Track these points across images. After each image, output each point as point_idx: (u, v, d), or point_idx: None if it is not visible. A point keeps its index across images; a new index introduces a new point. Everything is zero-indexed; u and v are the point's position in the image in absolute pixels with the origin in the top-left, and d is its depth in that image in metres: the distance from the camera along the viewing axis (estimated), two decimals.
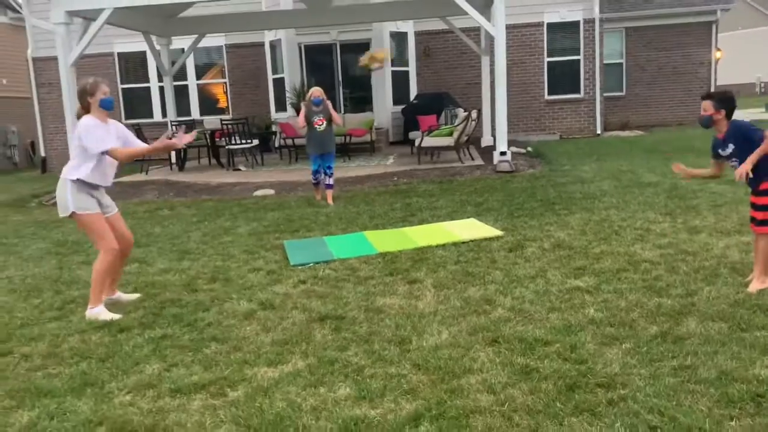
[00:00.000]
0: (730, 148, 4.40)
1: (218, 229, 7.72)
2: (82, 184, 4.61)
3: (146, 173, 13.27)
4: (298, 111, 14.53)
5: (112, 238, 4.68)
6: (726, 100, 4.42)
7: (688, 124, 17.81)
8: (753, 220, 4.45)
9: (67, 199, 4.59)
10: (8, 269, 6.39)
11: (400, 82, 16.22)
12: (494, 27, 10.85)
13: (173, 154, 14.16)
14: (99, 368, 3.76)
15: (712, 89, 18.55)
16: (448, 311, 4.37)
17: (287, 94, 15.73)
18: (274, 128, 15.53)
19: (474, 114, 12.07)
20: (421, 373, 3.44)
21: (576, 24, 16.64)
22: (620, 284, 4.69)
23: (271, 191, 10.40)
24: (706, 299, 4.25)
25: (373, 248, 6.18)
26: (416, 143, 12.25)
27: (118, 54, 17.45)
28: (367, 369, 3.52)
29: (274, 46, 16.29)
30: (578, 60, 16.82)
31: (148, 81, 17.59)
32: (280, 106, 16.28)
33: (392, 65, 15.96)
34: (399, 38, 16.30)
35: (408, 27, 16.40)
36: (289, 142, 13.69)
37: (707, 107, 4.43)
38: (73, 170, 4.62)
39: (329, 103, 8.87)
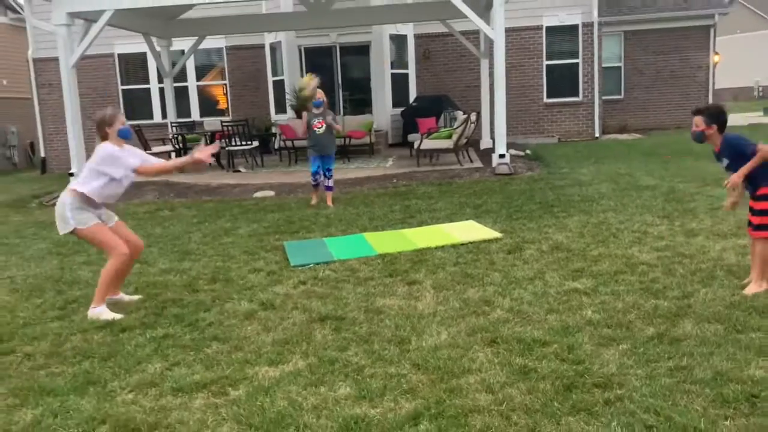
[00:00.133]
0: (725, 162, 4.46)
1: (219, 230, 7.76)
2: (85, 200, 4.65)
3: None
4: (297, 112, 14.66)
5: (119, 243, 4.73)
6: (717, 114, 4.42)
7: (686, 128, 17.81)
8: (750, 224, 4.49)
9: (66, 216, 4.65)
10: (10, 269, 6.43)
11: (399, 84, 16.27)
12: (493, 30, 10.90)
13: (173, 155, 14.22)
14: (101, 367, 3.80)
15: (710, 92, 18.68)
16: (447, 312, 4.41)
17: (287, 96, 15.78)
18: (273, 130, 15.57)
19: (473, 116, 12.11)
20: (420, 372, 3.48)
21: (575, 27, 16.71)
22: (617, 286, 4.73)
23: (271, 193, 10.44)
24: (702, 301, 4.29)
25: (373, 249, 6.22)
26: (415, 145, 12.29)
27: (119, 55, 17.48)
28: (367, 369, 3.56)
29: (274, 48, 16.34)
30: (577, 63, 16.88)
31: (148, 82, 17.62)
32: (280, 108, 16.32)
33: (392, 68, 16.03)
34: (399, 41, 16.35)
35: (408, 30, 16.46)
36: (289, 143, 13.72)
37: (698, 122, 4.44)
38: (80, 185, 4.67)
39: (330, 118, 8.84)
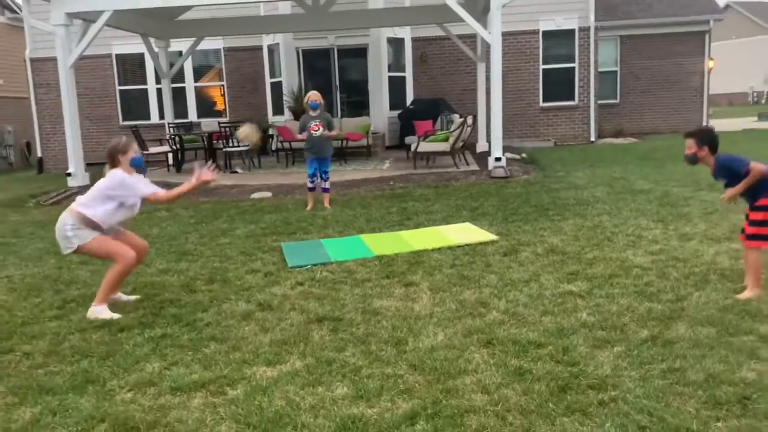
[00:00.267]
0: (722, 182, 4.52)
1: (216, 230, 7.78)
2: (87, 223, 4.67)
3: (143, 175, 13.29)
4: (295, 114, 14.69)
5: (125, 249, 4.77)
6: (707, 137, 4.50)
7: (681, 132, 17.94)
8: (743, 231, 4.55)
9: (68, 235, 4.67)
10: (8, 268, 6.44)
11: (396, 87, 16.32)
12: (490, 34, 10.95)
13: (170, 156, 14.24)
14: (100, 366, 3.82)
15: (705, 97, 18.77)
16: (444, 313, 4.44)
17: (285, 98, 15.81)
18: (271, 131, 15.60)
19: (469, 120, 12.16)
20: (417, 373, 3.51)
21: (571, 32, 16.80)
22: (612, 289, 4.77)
23: (269, 194, 10.46)
24: (695, 304, 4.33)
25: (370, 251, 6.25)
26: (412, 148, 12.33)
27: (116, 55, 17.48)
28: (364, 369, 3.59)
29: (272, 49, 16.37)
30: (573, 67, 16.97)
31: (145, 83, 17.63)
32: (278, 110, 16.36)
33: (389, 70, 16.08)
34: (396, 44, 16.40)
35: (405, 33, 16.52)
36: (286, 145, 13.75)
37: (690, 145, 4.53)
38: (85, 207, 4.69)
39: (324, 130, 8.82)
